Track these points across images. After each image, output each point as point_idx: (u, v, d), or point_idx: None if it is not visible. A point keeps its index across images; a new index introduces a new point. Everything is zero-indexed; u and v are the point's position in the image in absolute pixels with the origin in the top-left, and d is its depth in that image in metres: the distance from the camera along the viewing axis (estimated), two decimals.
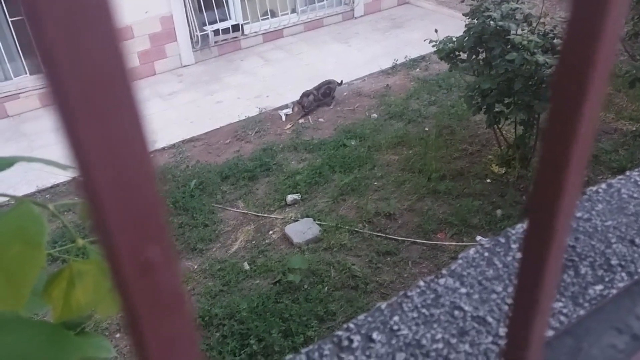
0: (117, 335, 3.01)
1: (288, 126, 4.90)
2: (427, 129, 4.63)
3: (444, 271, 0.67)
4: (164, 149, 4.66)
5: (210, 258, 3.44)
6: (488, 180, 3.94)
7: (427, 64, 5.79)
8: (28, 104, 5.35)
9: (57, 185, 4.21)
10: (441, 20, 6.29)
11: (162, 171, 4.32)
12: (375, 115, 4.95)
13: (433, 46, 3.96)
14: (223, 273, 3.29)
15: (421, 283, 0.66)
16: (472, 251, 0.70)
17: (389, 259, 3.34)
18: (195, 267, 3.39)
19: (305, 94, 4.98)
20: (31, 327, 0.58)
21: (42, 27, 0.12)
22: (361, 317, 0.62)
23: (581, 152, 0.23)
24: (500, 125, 3.92)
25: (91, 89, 0.12)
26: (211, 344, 2.83)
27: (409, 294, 0.65)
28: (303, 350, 0.59)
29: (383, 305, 0.63)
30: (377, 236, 3.51)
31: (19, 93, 5.35)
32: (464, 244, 3.38)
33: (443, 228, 3.55)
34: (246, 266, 3.34)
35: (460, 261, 0.68)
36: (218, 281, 3.25)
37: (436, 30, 4.02)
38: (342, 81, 5.31)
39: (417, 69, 5.75)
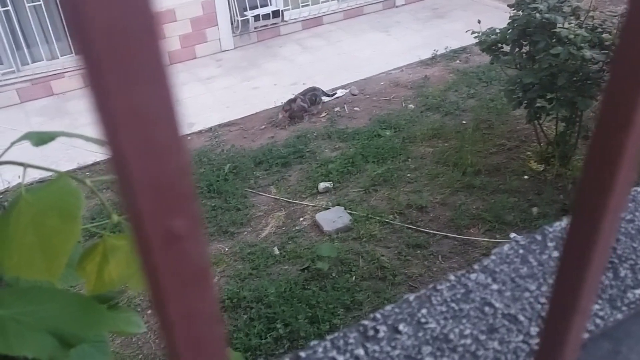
0: (149, 311, 3.08)
1: (323, 114, 4.89)
2: (464, 122, 4.55)
3: (475, 266, 0.65)
4: (200, 132, 4.72)
5: (241, 241, 3.48)
6: (525, 177, 3.84)
7: (468, 55, 5.67)
8: (73, 83, 5.50)
9: (98, 163, 4.32)
10: (485, 11, 6.14)
11: (198, 154, 4.38)
12: (412, 106, 4.89)
13: (475, 37, 3.87)
14: (253, 257, 3.33)
15: (452, 277, 0.65)
16: (506, 247, 0.68)
17: (418, 251, 3.31)
18: (226, 249, 3.43)
19: (292, 100, 4.76)
20: (64, 298, 0.60)
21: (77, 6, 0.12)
22: (388, 307, 0.61)
23: (636, 143, 0.22)
24: (541, 121, 3.82)
25: (120, 57, 0.11)
26: (239, 326, 2.88)
27: (439, 287, 0.64)
28: (328, 337, 0.59)
29: (411, 297, 0.63)
30: (408, 228, 3.48)
31: (65, 72, 5.50)
32: (496, 240, 3.31)
33: (476, 223, 3.49)
34: (276, 251, 3.37)
35: (493, 257, 0.67)
36: (248, 264, 3.29)
37: (479, 21, 3.92)
38: (334, 93, 5.07)
39: (457, 61, 5.64)
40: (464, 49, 5.74)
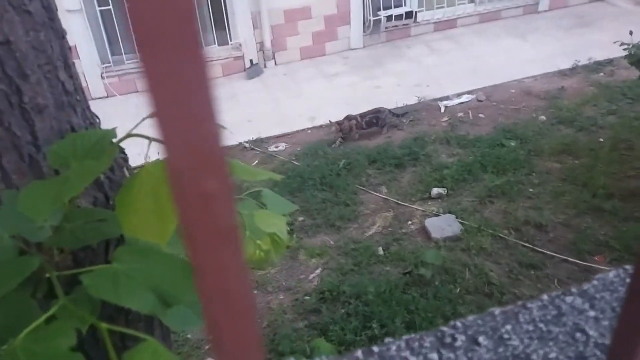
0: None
1: (444, 118, 4.77)
2: (601, 140, 4.18)
3: (573, 289, 0.61)
4: (320, 126, 4.85)
5: (346, 237, 3.53)
6: None
7: (614, 69, 5.19)
8: (216, 72, 5.91)
9: None
10: (638, 22, 5.56)
11: (315, 147, 4.50)
12: (543, 117, 4.59)
13: (624, 49, 3.54)
14: (356, 253, 3.36)
15: (544, 297, 0.61)
16: (612, 274, 0.63)
17: (532, 272, 3.11)
18: (332, 242, 3.50)
19: (348, 118, 4.53)
20: (170, 261, 0.66)
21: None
22: (470, 317, 0.60)
23: None
24: None
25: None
26: (335, 319, 2.93)
27: (529, 305, 0.61)
28: (404, 337, 0.59)
29: (497, 311, 0.61)
30: (523, 246, 3.28)
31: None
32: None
33: (602, 251, 3.20)
34: (380, 251, 3.37)
35: (595, 282, 0.62)
36: (350, 260, 3.32)
37: (631, 32, 3.59)
38: (404, 114, 4.76)
39: (601, 73, 5.18)
40: (610, 61, 5.26)
